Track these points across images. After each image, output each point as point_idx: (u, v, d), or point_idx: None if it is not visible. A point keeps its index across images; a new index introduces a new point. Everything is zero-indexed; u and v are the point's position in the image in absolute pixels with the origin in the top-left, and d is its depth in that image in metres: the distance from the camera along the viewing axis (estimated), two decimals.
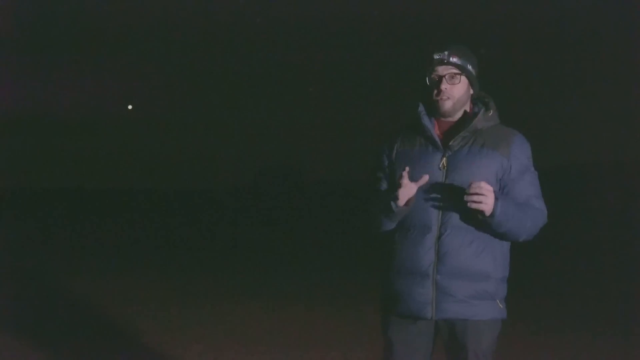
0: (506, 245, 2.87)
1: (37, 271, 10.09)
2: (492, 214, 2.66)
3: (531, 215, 2.78)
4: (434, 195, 2.78)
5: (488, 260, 2.79)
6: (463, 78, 2.82)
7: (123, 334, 6.29)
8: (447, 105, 2.81)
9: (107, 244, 13.69)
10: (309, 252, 12.30)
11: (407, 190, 2.72)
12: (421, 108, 2.87)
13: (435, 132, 2.86)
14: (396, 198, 2.72)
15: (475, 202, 2.63)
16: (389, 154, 2.92)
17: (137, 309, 7.21)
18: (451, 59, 2.79)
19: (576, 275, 9.20)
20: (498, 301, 2.84)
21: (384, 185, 2.93)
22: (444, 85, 2.79)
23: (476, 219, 2.72)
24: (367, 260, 7.73)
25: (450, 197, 2.76)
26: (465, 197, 2.65)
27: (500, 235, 2.78)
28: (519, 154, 2.82)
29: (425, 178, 2.73)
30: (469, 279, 2.76)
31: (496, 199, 2.66)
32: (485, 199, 2.63)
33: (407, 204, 2.76)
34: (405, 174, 2.72)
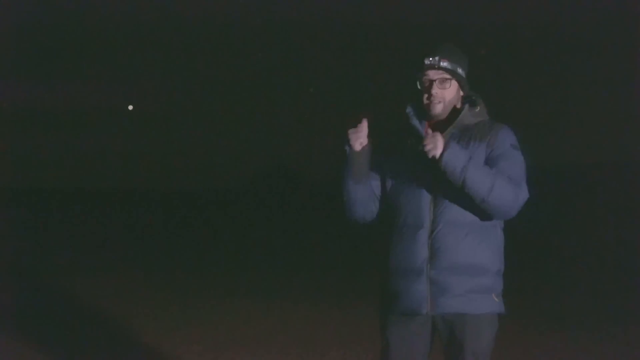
0: (500, 238, 2.88)
1: (37, 271, 10.08)
2: (441, 155, 2.68)
3: (498, 179, 2.73)
4: (425, 191, 2.80)
5: (483, 253, 2.80)
6: (453, 82, 2.84)
7: (123, 334, 6.29)
8: (438, 109, 2.84)
9: (107, 244, 13.69)
10: (309, 252, 12.29)
11: (359, 132, 2.80)
12: (410, 109, 2.90)
13: (425, 131, 2.87)
14: (349, 141, 2.80)
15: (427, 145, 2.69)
16: (379, 155, 2.93)
17: (137, 309, 7.21)
18: (441, 63, 2.81)
19: (576, 274, 9.20)
20: (494, 295, 2.84)
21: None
22: (435, 90, 2.82)
23: (468, 207, 2.74)
24: (366, 260, 7.72)
25: (442, 193, 2.78)
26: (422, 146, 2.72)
27: (469, 196, 2.74)
28: (502, 140, 2.82)
29: (365, 122, 2.81)
30: (465, 273, 2.77)
31: (447, 143, 2.70)
32: (432, 141, 2.69)
33: (362, 152, 2.82)
34: (364, 121, 2.80)
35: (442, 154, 2.69)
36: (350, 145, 2.82)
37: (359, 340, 5.87)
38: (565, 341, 5.84)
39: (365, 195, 2.91)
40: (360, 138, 2.80)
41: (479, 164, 2.75)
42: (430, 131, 2.73)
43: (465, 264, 2.77)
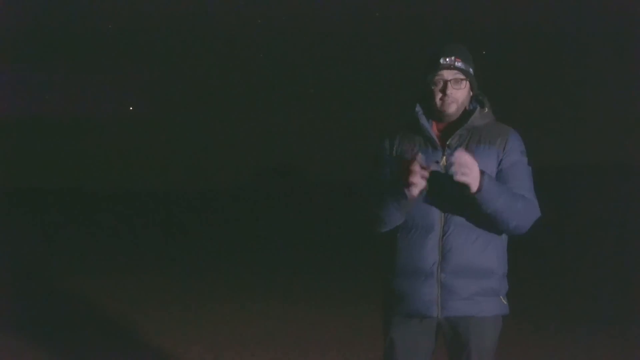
0: (505, 241, 2.90)
1: (37, 271, 10.08)
2: (479, 189, 2.63)
3: (521, 201, 2.76)
4: (435, 194, 2.78)
5: (492, 256, 2.81)
6: (466, 82, 2.85)
7: (123, 334, 6.29)
8: (452, 109, 2.83)
9: (107, 244, 13.69)
10: (309, 252, 12.29)
11: (420, 180, 2.65)
12: (418, 108, 2.89)
13: (433, 131, 2.87)
14: (408, 186, 2.63)
15: (460, 174, 2.59)
16: (389, 151, 2.92)
17: (137, 309, 7.21)
18: (457, 63, 2.80)
19: (576, 274, 9.19)
20: (502, 297, 2.87)
21: (387, 176, 2.88)
22: (450, 90, 2.81)
23: (473, 210, 2.71)
24: (367, 260, 7.72)
25: (452, 195, 2.77)
26: (452, 170, 2.60)
27: (490, 219, 2.73)
28: (513, 147, 2.84)
29: (436, 165, 2.70)
30: (474, 276, 2.78)
31: (482, 172, 2.64)
32: (469, 171, 2.60)
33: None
34: (419, 157, 2.64)
35: (478, 191, 2.63)
36: (409, 192, 2.66)
37: (359, 340, 5.88)
38: (565, 341, 5.85)
39: (403, 216, 2.82)
40: (420, 185, 2.66)
41: (507, 193, 2.71)
42: (465, 157, 2.59)
43: (474, 267, 2.77)
